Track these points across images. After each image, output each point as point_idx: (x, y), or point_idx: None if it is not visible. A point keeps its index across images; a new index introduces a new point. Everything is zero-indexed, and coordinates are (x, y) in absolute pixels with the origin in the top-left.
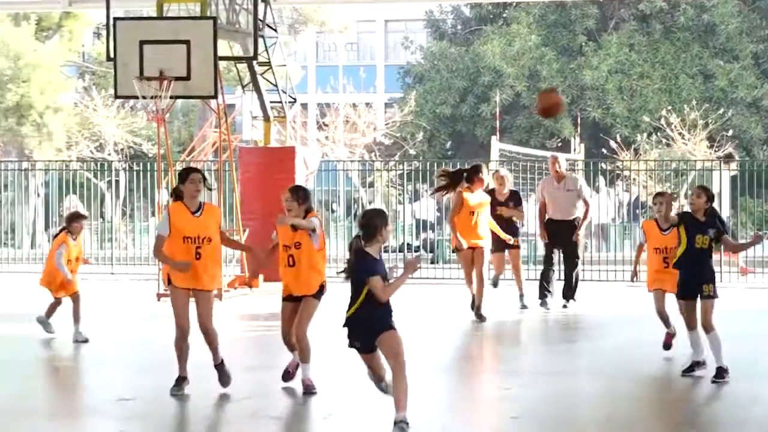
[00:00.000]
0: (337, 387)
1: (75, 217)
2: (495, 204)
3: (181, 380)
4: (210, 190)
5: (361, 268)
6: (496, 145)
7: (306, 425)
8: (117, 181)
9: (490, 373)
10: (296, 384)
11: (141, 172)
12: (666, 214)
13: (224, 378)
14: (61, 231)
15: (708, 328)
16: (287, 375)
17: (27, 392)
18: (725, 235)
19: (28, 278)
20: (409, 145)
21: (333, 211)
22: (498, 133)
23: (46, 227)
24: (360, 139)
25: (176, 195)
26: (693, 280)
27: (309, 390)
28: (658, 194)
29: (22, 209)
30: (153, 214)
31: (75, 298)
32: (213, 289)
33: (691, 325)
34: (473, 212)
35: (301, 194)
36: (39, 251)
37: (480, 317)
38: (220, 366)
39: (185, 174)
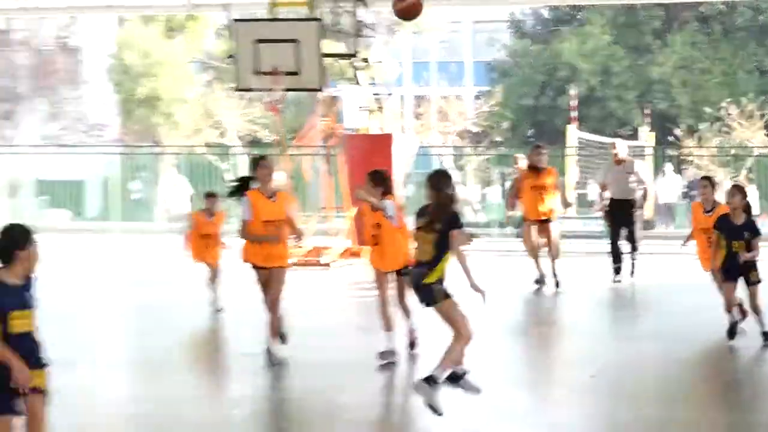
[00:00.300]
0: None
1: (206, 196)
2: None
3: (282, 337)
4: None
5: (455, 221)
6: (574, 133)
7: (412, 374)
8: (237, 164)
9: (562, 337)
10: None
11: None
12: (708, 197)
13: (272, 360)
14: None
15: (757, 310)
16: (412, 345)
17: (167, 349)
18: (755, 239)
19: (161, 247)
20: (495, 132)
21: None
22: (574, 122)
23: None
24: (451, 127)
25: (246, 185)
26: (735, 270)
27: (414, 343)
28: (703, 178)
29: (154, 188)
30: None
31: (214, 269)
32: (287, 267)
33: (728, 309)
34: (534, 187)
35: (376, 178)
36: (171, 225)
37: (557, 284)
38: (269, 349)
39: (255, 162)
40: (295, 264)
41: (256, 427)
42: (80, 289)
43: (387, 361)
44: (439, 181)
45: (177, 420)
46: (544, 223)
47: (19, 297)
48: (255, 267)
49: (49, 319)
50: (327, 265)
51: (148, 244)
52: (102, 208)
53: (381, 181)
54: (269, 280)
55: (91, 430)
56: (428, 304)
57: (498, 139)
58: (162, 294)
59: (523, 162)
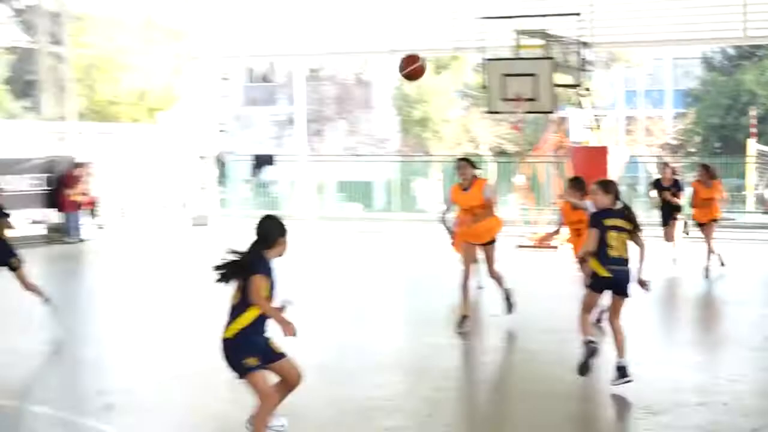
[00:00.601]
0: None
1: None
2: (661, 188)
3: (464, 318)
4: (475, 176)
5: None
6: (754, 146)
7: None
8: (488, 170)
9: (734, 309)
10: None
11: (504, 164)
12: None
13: (510, 305)
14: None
15: None
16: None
17: (434, 311)
18: None
19: (431, 233)
20: (689, 145)
21: (635, 191)
22: (753, 137)
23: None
24: (654, 141)
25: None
26: None
27: (600, 319)
28: None
29: (425, 188)
30: (511, 191)
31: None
32: (493, 240)
33: None
34: (705, 199)
35: (575, 184)
36: (434, 216)
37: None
38: (508, 297)
39: (456, 163)
40: (531, 247)
41: (496, 371)
42: (369, 263)
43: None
44: (617, 189)
45: (434, 364)
46: (707, 225)
47: (273, 274)
48: (467, 243)
49: (344, 285)
50: (556, 247)
51: (421, 230)
52: (386, 202)
53: (579, 186)
54: (484, 255)
55: (372, 370)
56: (625, 296)
57: (692, 150)
58: (431, 268)
59: (668, 170)
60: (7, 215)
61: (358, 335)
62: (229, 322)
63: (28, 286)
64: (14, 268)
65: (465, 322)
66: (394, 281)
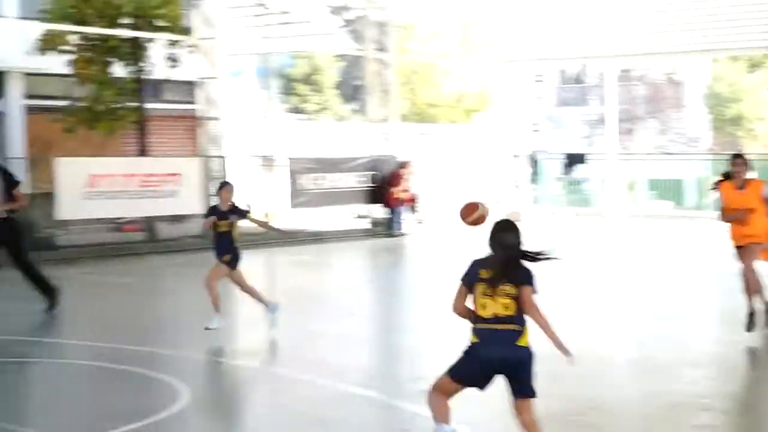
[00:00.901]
0: None
1: None
2: None
3: (751, 315)
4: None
5: None
6: None
7: None
8: None
9: None
10: None
11: None
12: None
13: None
14: None
15: None
16: None
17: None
18: None
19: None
20: None
21: None
22: None
23: None
24: None
25: (726, 175)
26: None
27: None
28: None
29: None
30: None
31: None
32: (757, 243)
33: None
34: None
35: None
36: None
37: None
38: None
39: (731, 159)
40: None
41: None
42: (681, 259)
43: None
44: None
45: (744, 363)
46: None
47: None
48: (735, 246)
49: (655, 281)
50: None
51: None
52: (697, 201)
53: None
54: (743, 256)
55: (682, 366)
56: None
57: None
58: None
59: None
60: (236, 217)
61: (668, 330)
62: (520, 332)
63: (211, 284)
64: (224, 262)
65: (753, 319)
66: (704, 277)
